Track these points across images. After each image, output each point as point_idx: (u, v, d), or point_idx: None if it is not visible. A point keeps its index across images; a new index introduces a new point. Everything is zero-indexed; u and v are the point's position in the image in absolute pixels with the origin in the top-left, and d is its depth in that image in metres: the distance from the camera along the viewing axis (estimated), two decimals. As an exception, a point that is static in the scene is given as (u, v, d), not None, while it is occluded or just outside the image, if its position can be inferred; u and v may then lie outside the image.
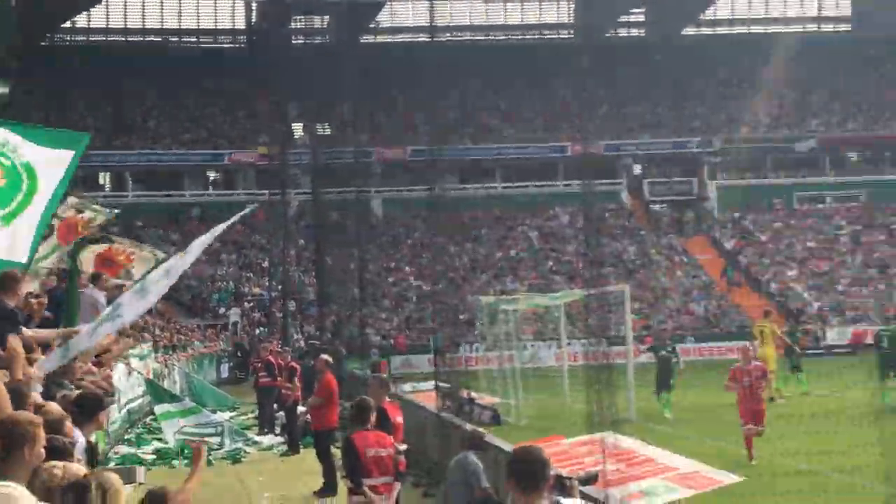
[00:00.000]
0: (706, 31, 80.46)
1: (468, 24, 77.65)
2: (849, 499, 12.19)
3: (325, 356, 18.62)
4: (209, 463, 17.16)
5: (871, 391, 22.25)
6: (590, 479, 10.78)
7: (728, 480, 14.64)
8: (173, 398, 15.09)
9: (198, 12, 74.72)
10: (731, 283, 61.50)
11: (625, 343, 26.94)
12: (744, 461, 17.18)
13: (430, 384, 22.17)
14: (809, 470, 14.11)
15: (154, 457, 20.97)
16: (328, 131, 60.67)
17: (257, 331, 52.47)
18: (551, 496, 6.29)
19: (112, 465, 16.43)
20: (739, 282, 61.57)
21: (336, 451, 15.12)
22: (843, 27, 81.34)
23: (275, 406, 24.96)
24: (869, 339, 50.21)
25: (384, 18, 74.59)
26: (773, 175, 71.67)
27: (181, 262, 8.82)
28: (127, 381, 22.97)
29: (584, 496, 10.46)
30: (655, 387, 27.01)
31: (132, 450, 21.92)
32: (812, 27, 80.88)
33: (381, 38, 75.80)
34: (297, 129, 68.54)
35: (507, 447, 12.09)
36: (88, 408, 8.33)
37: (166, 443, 17.45)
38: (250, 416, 27.91)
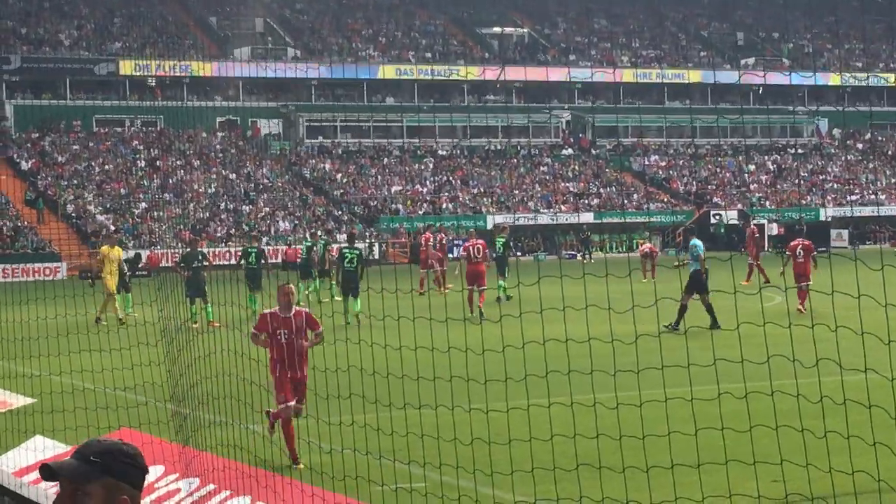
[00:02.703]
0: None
1: None
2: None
3: None
4: None
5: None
6: None
7: (20, 402, 14.66)
8: None
9: None
10: (30, 205, 60.33)
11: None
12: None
13: None
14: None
15: None
16: None
17: None
18: None
19: None
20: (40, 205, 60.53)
21: None
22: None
23: None
24: (164, 262, 51.76)
25: None
26: (72, 96, 70.91)
27: None
28: None
29: None
30: None
31: None
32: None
33: None
34: None
35: None
36: None
37: None
38: None
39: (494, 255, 33.70)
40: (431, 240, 37.83)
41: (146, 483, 9.37)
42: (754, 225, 41.97)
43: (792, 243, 28.55)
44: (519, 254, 60.66)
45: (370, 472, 9.34)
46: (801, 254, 27.44)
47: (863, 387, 6.11)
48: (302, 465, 11.91)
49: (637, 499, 7.13)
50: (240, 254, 35.20)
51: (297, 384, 12.56)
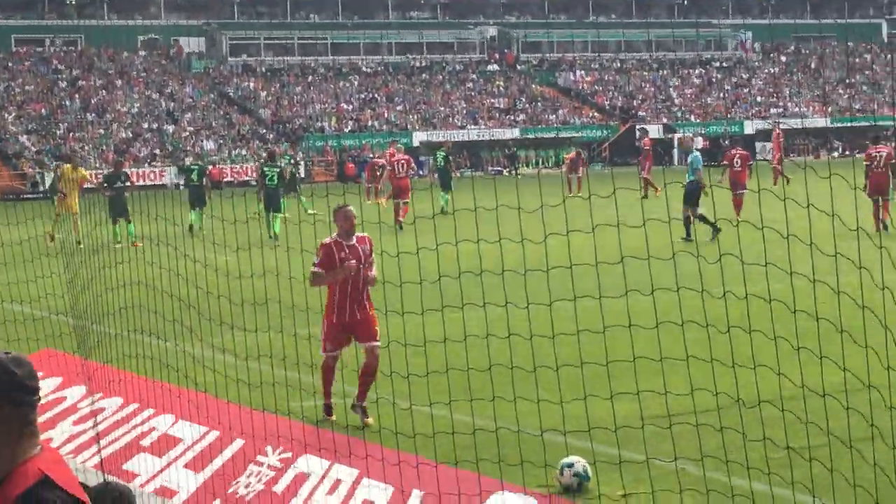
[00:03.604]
0: None
1: None
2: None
3: None
4: None
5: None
6: None
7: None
8: None
9: None
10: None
11: None
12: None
13: None
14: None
15: None
16: None
17: None
18: None
19: None
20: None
21: None
22: None
23: None
24: (87, 184, 50.98)
25: None
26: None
27: None
28: None
29: None
30: None
31: None
32: None
33: None
34: None
35: None
36: None
37: None
38: None
39: (436, 168, 35.08)
40: (397, 156, 36.88)
41: (71, 403, 9.06)
42: (647, 139, 42.98)
43: (730, 152, 29.87)
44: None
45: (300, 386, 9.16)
46: (739, 163, 28.70)
47: (789, 294, 6.18)
48: (334, 418, 10.42)
49: (597, 392, 7.24)
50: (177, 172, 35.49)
51: (365, 324, 10.38)
